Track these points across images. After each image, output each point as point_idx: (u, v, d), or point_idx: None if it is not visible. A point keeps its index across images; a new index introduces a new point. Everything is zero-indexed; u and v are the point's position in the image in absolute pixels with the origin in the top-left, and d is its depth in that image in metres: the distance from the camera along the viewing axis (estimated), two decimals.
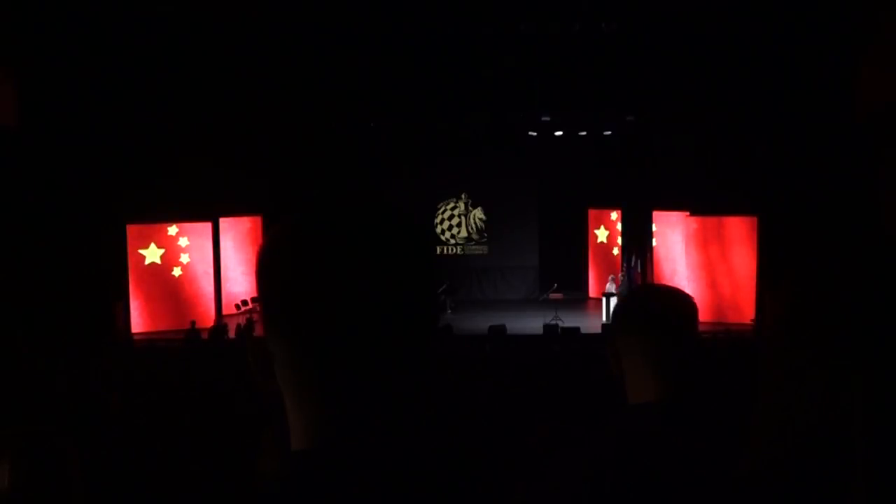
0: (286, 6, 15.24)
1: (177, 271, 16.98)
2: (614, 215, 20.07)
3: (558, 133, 19.31)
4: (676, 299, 1.67)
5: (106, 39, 15.17)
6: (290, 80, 16.93)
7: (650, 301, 1.68)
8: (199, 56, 15.90)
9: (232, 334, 14.99)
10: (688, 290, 1.74)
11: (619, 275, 18.75)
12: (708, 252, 16.92)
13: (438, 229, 21.27)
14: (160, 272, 16.79)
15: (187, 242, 17.11)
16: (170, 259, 16.90)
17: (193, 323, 15.31)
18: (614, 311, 1.75)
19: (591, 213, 20.54)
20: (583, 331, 16.05)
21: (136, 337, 15.34)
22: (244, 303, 18.01)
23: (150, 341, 14.71)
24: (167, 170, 15.95)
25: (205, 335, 14.83)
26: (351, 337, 0.84)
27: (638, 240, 18.76)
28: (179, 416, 7.97)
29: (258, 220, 18.48)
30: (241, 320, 15.83)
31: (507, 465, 2.59)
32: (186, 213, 16.95)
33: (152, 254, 16.78)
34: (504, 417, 7.35)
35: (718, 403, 1.66)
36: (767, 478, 0.83)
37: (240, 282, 18.26)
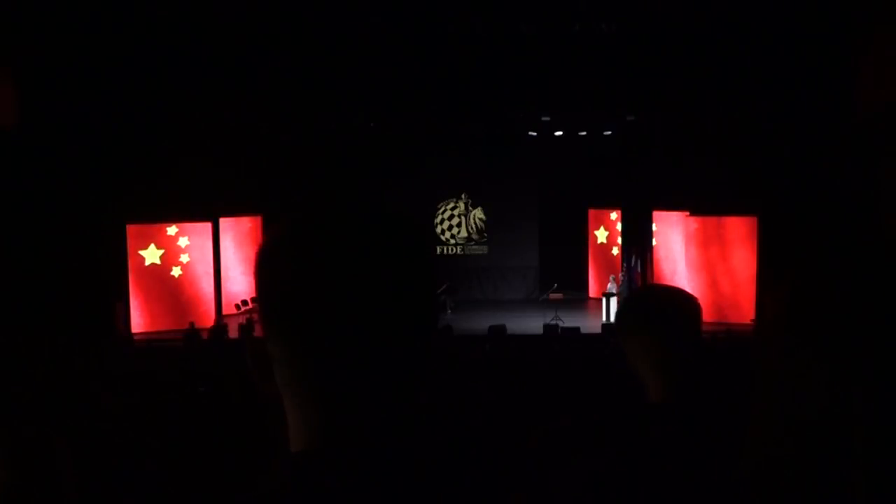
0: (286, 6, 15.24)
1: (176, 271, 16.98)
2: (614, 215, 20.07)
3: (558, 133, 19.31)
4: (680, 299, 1.67)
5: (106, 39, 15.17)
6: (290, 80, 16.92)
7: (654, 301, 1.68)
8: (199, 56, 15.90)
9: (233, 334, 14.99)
10: (688, 290, 1.73)
11: (620, 275, 18.75)
12: (708, 252, 16.93)
13: (438, 229, 21.26)
14: (160, 272, 16.80)
15: (187, 242, 17.12)
16: (169, 259, 16.91)
17: (192, 324, 15.31)
18: (618, 312, 1.74)
19: (591, 213, 20.54)
20: (583, 331, 16.06)
21: (136, 337, 15.35)
22: (244, 303, 18.01)
23: (150, 341, 14.71)
24: (167, 170, 15.95)
25: (205, 335, 14.83)
26: (350, 337, 0.84)
27: (638, 240, 18.77)
28: (179, 417, 7.97)
29: (258, 220, 18.49)
30: (241, 320, 15.83)
31: (507, 465, 2.58)
32: (186, 213, 16.96)
33: (152, 254, 16.79)
34: (504, 417, 7.35)
35: (719, 403, 1.66)
36: (766, 478, 0.83)
37: (240, 282, 18.27)
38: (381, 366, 0.85)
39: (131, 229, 16.42)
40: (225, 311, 17.67)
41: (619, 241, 19.83)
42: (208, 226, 17.37)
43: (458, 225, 21.46)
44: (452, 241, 21.44)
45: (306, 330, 0.84)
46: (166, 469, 3.75)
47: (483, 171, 20.54)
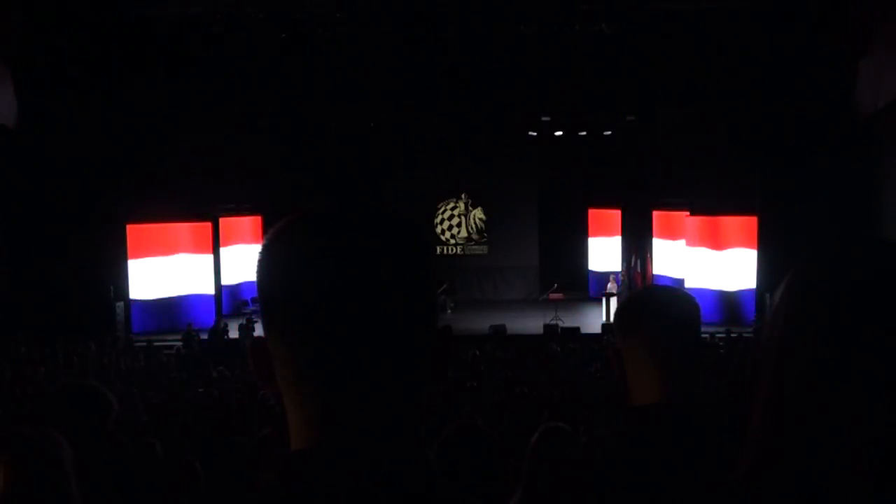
0: (286, 6, 15.24)
1: (177, 271, 16.95)
2: (614, 215, 20.05)
3: (558, 133, 19.30)
4: (679, 300, 1.67)
5: (105, 39, 15.18)
6: (290, 80, 16.93)
7: (652, 302, 1.67)
8: (199, 56, 15.90)
9: (233, 334, 14.99)
10: (687, 291, 1.73)
11: (620, 275, 18.74)
12: (708, 252, 16.91)
13: (438, 229, 21.25)
14: (160, 272, 16.77)
15: (187, 242, 17.09)
16: (169, 259, 16.87)
17: (189, 325, 15.29)
18: (616, 313, 1.74)
19: (591, 213, 20.53)
20: (583, 331, 16.06)
21: (135, 337, 15.34)
22: (244, 303, 18.01)
23: (150, 341, 14.71)
24: (167, 170, 15.94)
25: (204, 335, 14.82)
26: (351, 337, 0.84)
27: (638, 240, 18.77)
28: (179, 416, 7.97)
29: (258, 220, 18.47)
30: (242, 320, 15.83)
31: (508, 465, 2.59)
32: (186, 213, 16.94)
33: (152, 254, 16.73)
34: (504, 417, 7.35)
35: (720, 403, 1.66)
36: (766, 477, 0.83)
37: (239, 282, 18.27)
38: (382, 365, 0.85)
39: (131, 229, 16.39)
40: (225, 312, 17.65)
41: (620, 241, 19.82)
42: (208, 226, 17.35)
43: (458, 225, 21.45)
44: (452, 241, 21.43)
45: (307, 329, 0.84)
46: (166, 469, 3.75)
47: (483, 171, 20.52)
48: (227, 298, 18.07)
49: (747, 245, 16.46)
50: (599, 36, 15.76)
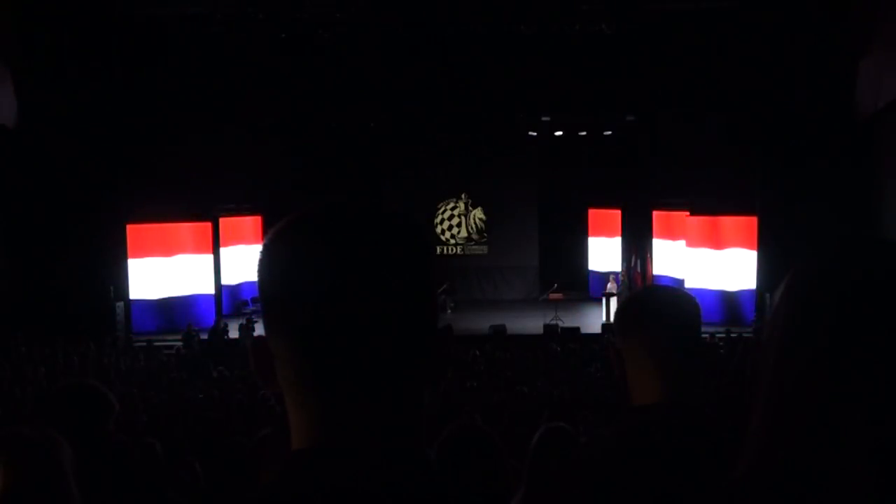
0: (286, 6, 15.24)
1: (177, 271, 16.95)
2: (614, 215, 20.05)
3: (558, 133, 19.30)
4: (679, 300, 1.66)
5: (105, 39, 15.18)
6: (290, 80, 16.92)
7: (653, 302, 1.67)
8: (199, 56, 15.90)
9: (233, 335, 14.98)
10: (687, 291, 1.73)
11: (620, 275, 18.75)
12: (708, 252, 16.91)
13: (438, 229, 21.25)
14: (160, 272, 16.77)
15: (187, 242, 17.09)
16: (170, 259, 16.87)
17: (189, 325, 15.28)
18: (616, 313, 1.74)
19: (591, 213, 20.53)
20: (583, 331, 16.06)
21: (135, 337, 15.35)
22: (244, 303, 18.01)
23: (150, 341, 14.71)
24: (167, 170, 15.95)
25: (204, 335, 14.82)
26: (350, 337, 0.84)
27: (638, 240, 18.77)
28: (179, 416, 7.98)
29: (258, 220, 18.47)
30: (242, 320, 15.83)
31: (507, 465, 2.59)
32: (186, 213, 16.94)
33: (152, 254, 16.73)
34: (504, 417, 7.36)
35: (719, 403, 1.66)
36: (766, 477, 0.83)
37: (240, 282, 18.25)
38: (382, 365, 0.85)
39: (131, 229, 16.39)
40: (225, 312, 17.64)
41: (620, 241, 19.83)
42: (208, 226, 17.35)
43: (458, 225, 21.45)
44: (452, 241, 21.43)
45: (308, 329, 0.84)
46: (166, 469, 3.75)
47: (483, 171, 20.52)
48: (227, 298, 18.06)
49: (747, 245, 16.46)
50: (599, 36, 15.76)
